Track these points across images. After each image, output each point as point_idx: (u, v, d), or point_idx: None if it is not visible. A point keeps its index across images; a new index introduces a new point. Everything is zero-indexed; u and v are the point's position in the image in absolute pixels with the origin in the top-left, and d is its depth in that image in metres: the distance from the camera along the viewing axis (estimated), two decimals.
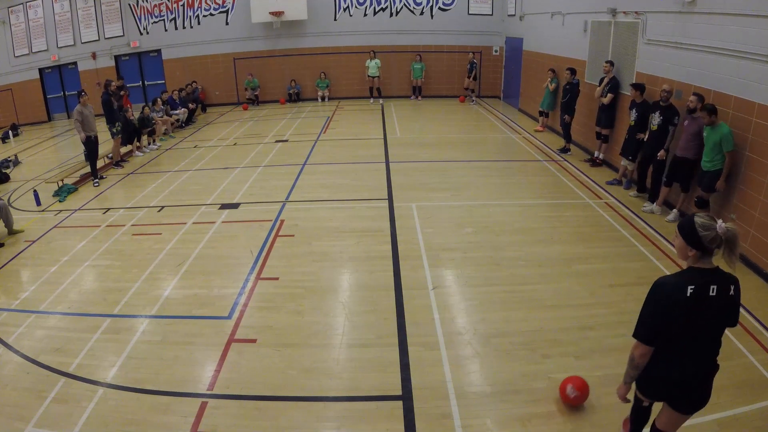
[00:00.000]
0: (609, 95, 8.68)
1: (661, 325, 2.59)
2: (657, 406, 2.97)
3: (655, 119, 7.12)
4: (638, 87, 7.62)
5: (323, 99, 17.08)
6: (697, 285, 2.50)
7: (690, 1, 6.60)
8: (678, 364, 2.64)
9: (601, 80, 8.95)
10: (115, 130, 10.47)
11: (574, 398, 3.66)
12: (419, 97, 16.81)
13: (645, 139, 7.41)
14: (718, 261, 2.56)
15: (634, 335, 2.72)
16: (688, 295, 2.49)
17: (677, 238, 2.62)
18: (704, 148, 6.05)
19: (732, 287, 2.55)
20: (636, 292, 5.20)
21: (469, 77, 16.11)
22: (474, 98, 16.41)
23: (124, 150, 11.26)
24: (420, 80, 16.53)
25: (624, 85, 8.61)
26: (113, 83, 10.85)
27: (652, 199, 7.32)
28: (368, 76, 16.15)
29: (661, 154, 7.03)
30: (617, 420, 3.59)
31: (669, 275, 2.69)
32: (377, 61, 15.91)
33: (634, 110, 7.68)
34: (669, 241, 6.34)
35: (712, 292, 2.49)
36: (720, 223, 2.45)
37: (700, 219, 2.52)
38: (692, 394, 2.72)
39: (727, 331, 4.49)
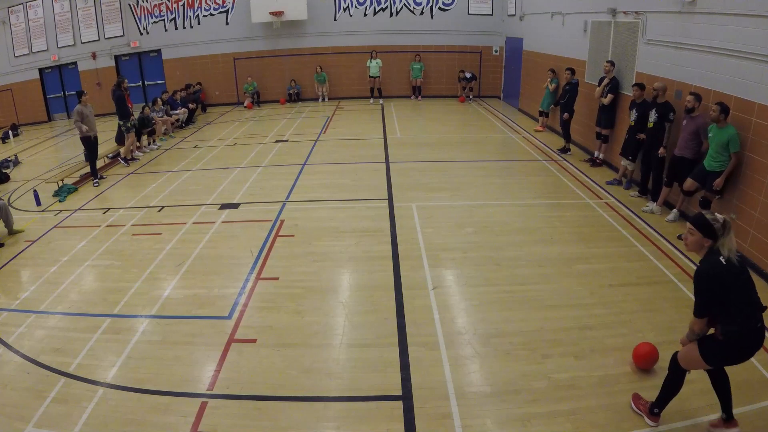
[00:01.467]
0: (609, 96, 8.68)
1: (721, 293, 3.12)
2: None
3: (652, 116, 7.13)
4: (641, 87, 7.61)
5: (323, 99, 17.00)
6: (723, 256, 3.12)
7: (690, 1, 6.60)
8: (752, 321, 3.16)
9: (601, 80, 8.94)
10: (129, 125, 10.61)
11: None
12: (419, 97, 16.80)
13: (629, 140, 7.41)
14: None
15: (695, 314, 3.22)
16: (723, 263, 3.11)
17: (694, 234, 3.17)
18: (708, 149, 6.02)
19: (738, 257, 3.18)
20: (636, 292, 5.21)
21: (463, 86, 16.50)
22: (471, 96, 16.67)
23: (124, 150, 11.27)
24: (419, 80, 16.54)
25: (624, 85, 8.61)
26: (125, 80, 10.98)
27: (654, 198, 7.32)
28: (369, 76, 16.14)
29: (661, 151, 7.03)
30: (617, 420, 3.59)
31: (702, 264, 3.17)
32: (378, 61, 15.90)
33: (634, 110, 7.68)
34: (669, 241, 6.35)
35: (735, 260, 3.14)
36: (717, 215, 3.16)
37: (709, 216, 3.15)
38: (759, 345, 3.23)
39: None
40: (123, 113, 10.49)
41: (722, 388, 3.47)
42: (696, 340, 3.33)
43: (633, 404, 3.71)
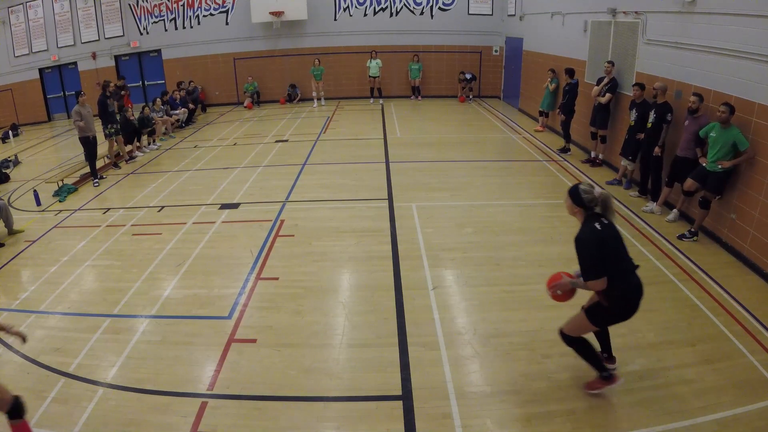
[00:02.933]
0: (608, 95, 8.68)
1: (606, 256, 3.47)
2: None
3: (651, 117, 7.13)
4: (641, 87, 7.61)
5: (319, 100, 16.56)
6: (597, 223, 3.47)
7: (690, 1, 6.60)
8: (632, 277, 3.62)
9: (600, 80, 8.94)
10: (107, 132, 10.39)
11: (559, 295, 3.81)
12: (419, 97, 16.78)
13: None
14: None
15: (586, 279, 3.51)
16: (600, 228, 3.45)
17: (567, 200, 3.58)
18: (709, 149, 6.01)
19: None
20: None
21: (462, 86, 16.41)
22: (471, 96, 16.67)
23: (127, 148, 11.27)
24: (418, 80, 16.49)
25: (624, 85, 8.61)
26: (111, 84, 10.83)
27: (654, 198, 7.32)
28: (369, 76, 16.11)
29: (656, 150, 7.04)
30: (617, 420, 3.60)
31: (580, 232, 3.50)
32: (378, 61, 15.88)
33: (634, 110, 7.67)
34: (669, 240, 6.35)
35: (606, 222, 3.51)
36: (596, 189, 3.52)
37: (582, 186, 3.55)
38: (640, 298, 3.65)
39: (727, 331, 4.54)
40: (104, 118, 10.30)
41: (603, 341, 4.01)
42: (583, 311, 3.76)
43: (593, 391, 3.83)
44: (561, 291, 3.72)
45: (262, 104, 17.11)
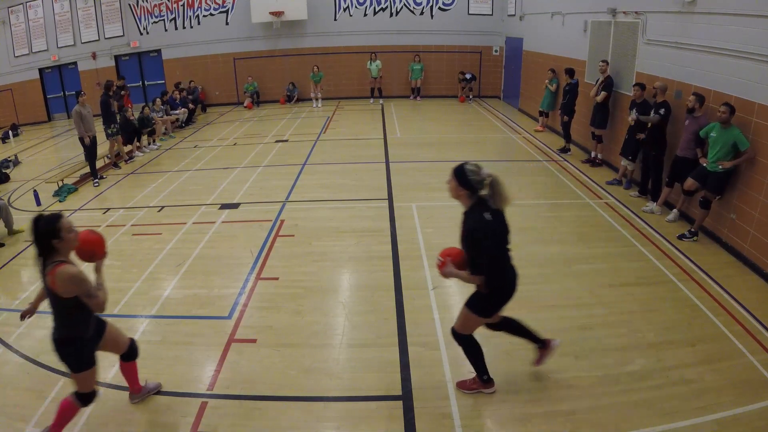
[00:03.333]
0: (603, 93, 8.69)
1: (496, 244, 3.39)
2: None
3: (650, 115, 7.13)
4: (642, 87, 7.61)
5: (316, 101, 16.47)
6: (488, 212, 3.29)
7: (690, 1, 6.61)
8: (509, 269, 3.52)
9: (598, 80, 8.97)
10: (110, 131, 10.43)
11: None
12: (418, 98, 16.74)
13: (639, 121, 7.39)
14: None
15: (487, 272, 3.39)
16: (489, 218, 3.27)
17: (452, 181, 3.36)
18: (710, 149, 6.01)
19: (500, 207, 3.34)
20: (636, 292, 5.21)
21: (462, 86, 16.35)
22: (471, 96, 16.62)
23: (127, 149, 11.28)
24: (419, 81, 16.44)
25: (624, 85, 8.61)
26: (114, 84, 10.86)
27: (654, 198, 7.32)
28: (372, 77, 16.07)
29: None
30: (617, 420, 3.60)
31: (469, 222, 3.38)
32: (378, 63, 15.88)
33: (634, 110, 7.66)
34: (669, 240, 6.35)
35: (496, 210, 3.32)
36: (484, 170, 3.31)
37: (469, 166, 3.33)
38: (515, 282, 3.58)
39: (727, 331, 4.54)
40: (106, 118, 10.36)
41: (517, 329, 3.84)
42: (465, 305, 3.65)
43: (466, 390, 3.90)
44: (444, 274, 3.62)
45: (261, 104, 17.11)
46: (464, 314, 3.67)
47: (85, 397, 3.40)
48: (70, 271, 3.09)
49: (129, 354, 3.75)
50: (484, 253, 3.34)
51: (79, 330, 3.27)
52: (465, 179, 3.29)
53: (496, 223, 3.32)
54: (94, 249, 3.47)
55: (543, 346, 3.94)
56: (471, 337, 3.75)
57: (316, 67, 16.35)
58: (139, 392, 3.91)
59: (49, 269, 3.06)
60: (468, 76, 16.40)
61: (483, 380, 3.85)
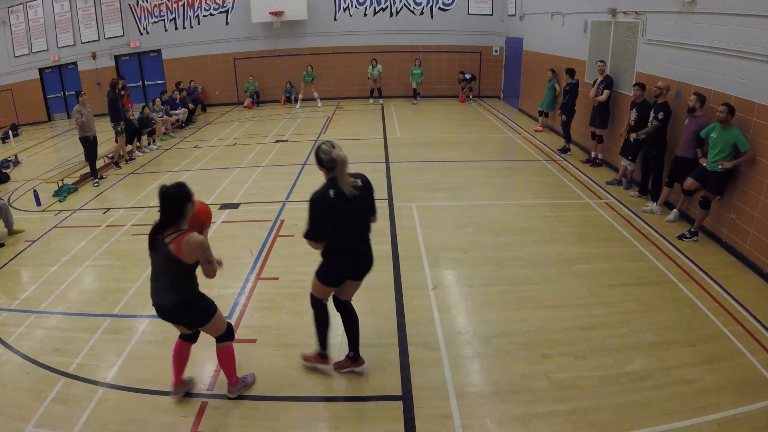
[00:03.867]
0: (605, 92, 8.68)
1: (327, 223, 3.57)
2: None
3: (651, 116, 7.13)
4: (642, 86, 7.60)
5: (317, 100, 16.30)
6: (332, 189, 3.52)
7: (690, 1, 6.61)
8: (350, 246, 3.71)
9: (596, 80, 8.97)
10: (119, 129, 10.50)
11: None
12: (416, 100, 16.34)
13: (639, 139, 7.39)
14: None
15: (305, 236, 3.65)
16: (332, 196, 3.51)
17: (314, 162, 3.59)
18: (710, 150, 6.01)
19: (359, 183, 3.60)
20: (636, 292, 5.21)
21: (462, 86, 16.27)
22: (471, 96, 16.57)
23: (127, 148, 11.28)
24: (418, 84, 16.16)
25: (623, 85, 8.61)
26: (120, 82, 10.90)
27: (654, 198, 7.32)
28: (371, 78, 16.02)
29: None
30: (617, 420, 3.60)
31: (314, 193, 3.56)
32: (380, 67, 15.83)
33: (634, 110, 7.66)
34: (669, 240, 6.35)
35: (347, 189, 3.52)
36: (335, 151, 3.47)
37: (323, 146, 3.52)
38: (362, 265, 3.84)
39: (727, 331, 4.54)
40: (114, 115, 10.40)
41: (351, 327, 4.07)
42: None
43: (305, 363, 4.18)
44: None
45: (261, 104, 17.11)
46: (313, 280, 3.98)
47: (228, 334, 3.83)
48: (197, 238, 3.34)
49: (222, 336, 3.87)
50: (309, 222, 3.59)
51: (196, 289, 3.63)
52: (317, 158, 3.54)
53: (338, 201, 3.51)
54: (205, 219, 3.72)
55: (355, 357, 4.13)
56: (321, 305, 4.00)
57: (310, 67, 16.22)
58: (236, 384, 3.92)
59: (174, 237, 3.28)
60: (468, 76, 16.37)
61: (320, 354, 4.11)
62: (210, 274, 3.56)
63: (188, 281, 3.53)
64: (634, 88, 7.68)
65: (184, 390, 3.95)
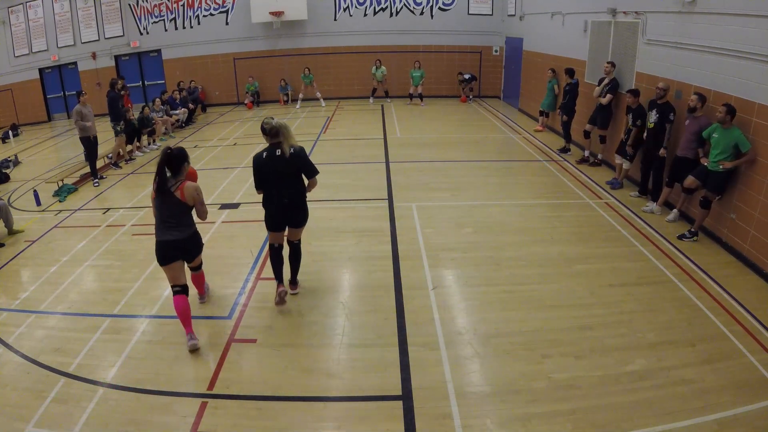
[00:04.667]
0: (608, 95, 8.69)
1: (258, 178, 4.78)
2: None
3: (652, 117, 7.14)
4: (635, 93, 7.70)
5: (320, 100, 16.27)
6: (267, 152, 4.72)
7: (690, 1, 6.61)
8: (274, 198, 4.83)
9: (601, 80, 8.95)
10: (119, 128, 10.50)
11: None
12: (422, 103, 15.91)
13: (627, 141, 7.42)
14: None
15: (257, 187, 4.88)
16: (264, 157, 4.70)
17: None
18: (711, 150, 6.01)
19: (290, 152, 4.68)
20: (636, 292, 5.21)
21: (463, 87, 16.10)
22: (471, 96, 16.47)
23: (127, 148, 11.28)
24: (419, 87, 15.77)
25: (624, 85, 8.61)
26: (120, 82, 10.90)
27: (654, 198, 7.32)
28: (377, 81, 15.99)
29: (662, 152, 7.03)
30: (617, 420, 3.60)
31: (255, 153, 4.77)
32: (383, 69, 15.82)
33: (630, 115, 7.73)
34: (669, 240, 6.35)
35: (278, 153, 4.67)
36: (273, 121, 4.67)
37: (265, 119, 4.72)
38: (286, 214, 4.96)
39: (727, 331, 4.54)
40: (114, 115, 10.40)
41: (294, 263, 5.28)
42: None
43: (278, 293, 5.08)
44: None
45: (262, 104, 17.11)
46: None
47: (201, 264, 5.13)
48: (194, 184, 4.49)
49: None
50: (254, 178, 4.81)
51: (194, 226, 4.70)
52: (262, 128, 4.72)
53: (269, 160, 4.68)
54: (194, 176, 4.70)
55: (280, 284, 5.14)
56: (272, 247, 5.11)
57: (307, 69, 16.16)
58: (203, 293, 5.30)
59: (177, 186, 4.39)
60: (467, 76, 16.33)
61: (278, 284, 5.14)
62: (202, 215, 4.61)
63: (190, 219, 4.59)
64: (628, 95, 7.75)
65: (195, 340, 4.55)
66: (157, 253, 4.50)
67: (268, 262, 6.04)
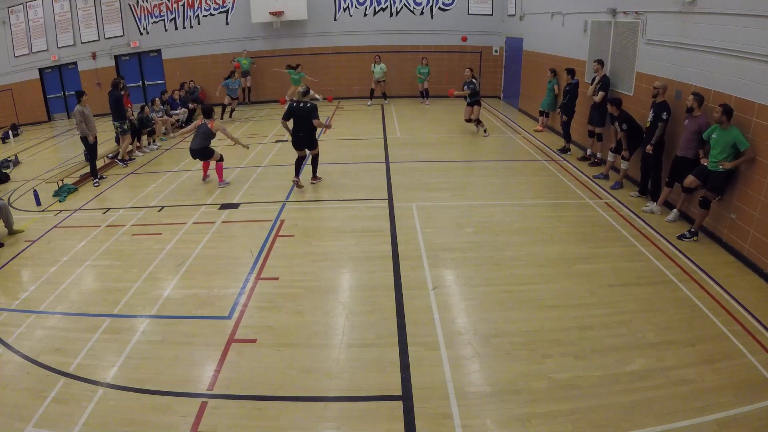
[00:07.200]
0: (600, 93, 8.73)
1: (287, 114, 8.27)
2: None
3: (649, 116, 7.15)
4: (614, 102, 7.92)
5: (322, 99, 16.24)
6: (294, 102, 8.22)
7: (690, 1, 6.61)
8: (293, 131, 8.36)
9: (593, 79, 9.01)
10: (126, 127, 10.58)
11: None
12: (426, 102, 16.02)
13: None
14: None
15: (283, 118, 8.24)
16: (294, 104, 8.18)
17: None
18: (711, 150, 6.01)
19: (308, 105, 8.07)
20: (636, 292, 5.21)
21: (469, 103, 11.75)
22: (485, 131, 12.01)
23: (121, 152, 11.27)
24: (426, 84, 15.85)
25: (622, 84, 8.65)
26: (122, 81, 10.94)
27: (654, 198, 7.33)
28: (376, 80, 15.84)
29: (648, 148, 7.11)
30: (617, 420, 3.60)
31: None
32: (383, 65, 15.75)
33: (616, 123, 7.95)
34: (669, 240, 6.35)
35: (301, 105, 8.11)
36: (302, 88, 8.22)
37: (301, 88, 8.29)
38: (299, 140, 8.42)
39: (727, 331, 4.54)
40: (118, 115, 10.44)
41: (313, 163, 8.75)
42: None
43: (295, 182, 8.58)
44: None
45: (262, 104, 17.08)
46: None
47: (221, 158, 9.03)
48: (220, 123, 9.37)
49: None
50: (285, 113, 8.26)
51: (204, 141, 8.69)
52: (298, 91, 8.19)
53: (294, 107, 8.12)
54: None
55: (297, 179, 8.59)
56: (298, 157, 8.65)
57: (298, 66, 15.05)
58: (222, 180, 8.99)
59: (209, 121, 8.75)
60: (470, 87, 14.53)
61: (295, 179, 8.57)
62: (229, 136, 9.04)
63: (209, 141, 8.72)
64: (610, 105, 7.97)
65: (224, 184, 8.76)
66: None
67: (268, 262, 6.14)
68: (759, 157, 5.57)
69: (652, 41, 7.72)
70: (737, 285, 5.31)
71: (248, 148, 9.70)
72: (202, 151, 8.74)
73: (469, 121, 11.97)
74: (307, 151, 8.59)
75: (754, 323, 4.65)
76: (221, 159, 8.97)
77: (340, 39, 16.73)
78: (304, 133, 8.21)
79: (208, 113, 8.97)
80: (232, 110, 15.19)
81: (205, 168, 9.41)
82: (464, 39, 15.28)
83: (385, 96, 16.24)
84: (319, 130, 8.46)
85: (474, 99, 11.61)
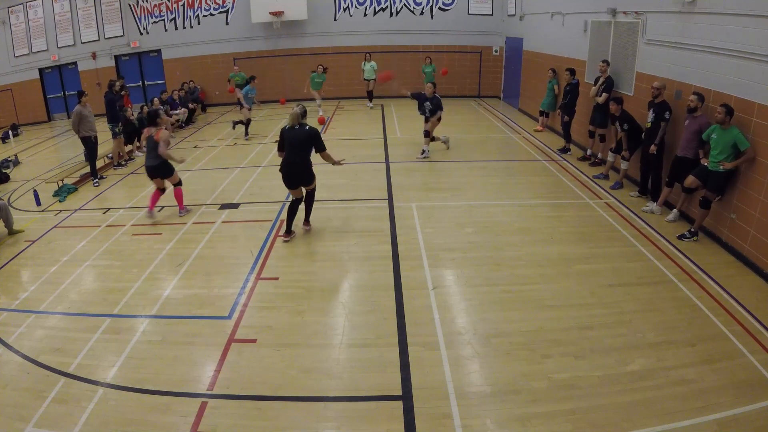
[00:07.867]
0: (604, 94, 8.70)
1: (281, 142, 6.44)
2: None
3: (649, 116, 7.14)
4: (618, 101, 7.92)
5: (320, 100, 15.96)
6: (289, 126, 6.31)
7: (690, 1, 6.61)
8: (285, 160, 6.40)
9: (597, 79, 8.99)
10: (117, 130, 10.49)
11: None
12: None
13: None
14: None
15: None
16: (287, 128, 6.32)
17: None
18: (711, 150, 6.01)
19: (306, 128, 6.29)
20: (636, 292, 5.21)
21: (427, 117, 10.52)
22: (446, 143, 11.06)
23: (127, 149, 11.28)
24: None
25: (622, 84, 8.63)
26: (117, 83, 10.90)
27: (654, 198, 7.33)
28: (363, 78, 15.51)
29: (652, 148, 7.08)
30: (617, 420, 3.60)
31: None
32: (373, 63, 15.43)
33: (617, 122, 7.96)
34: (669, 240, 6.35)
35: (297, 128, 6.28)
36: (296, 108, 6.33)
37: (296, 107, 6.36)
38: (292, 173, 6.40)
39: (727, 331, 4.54)
40: (111, 116, 10.38)
41: (307, 207, 6.81)
42: None
43: (283, 239, 6.64)
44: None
45: (262, 104, 17.03)
46: None
47: (180, 182, 7.63)
48: (166, 131, 7.38)
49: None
50: (279, 142, 6.51)
51: (162, 158, 7.29)
52: (293, 113, 6.31)
53: (290, 132, 6.31)
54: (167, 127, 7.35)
55: (288, 233, 6.66)
56: (292, 200, 6.66)
57: (321, 67, 14.55)
58: (182, 208, 7.68)
59: (155, 132, 7.26)
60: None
61: (286, 232, 6.64)
62: (163, 152, 7.21)
63: (157, 153, 7.22)
64: (612, 104, 7.94)
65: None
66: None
67: (269, 262, 6.15)
68: (759, 157, 5.57)
69: (652, 41, 7.72)
70: (737, 285, 5.31)
71: (183, 161, 8.32)
72: (159, 168, 7.28)
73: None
74: (303, 190, 6.64)
75: (754, 323, 4.65)
76: (180, 183, 7.53)
77: (340, 39, 16.74)
78: (298, 164, 6.26)
79: (152, 119, 7.39)
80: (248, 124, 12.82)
81: (155, 198, 7.57)
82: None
83: (370, 97, 15.70)
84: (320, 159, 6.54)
85: (433, 113, 10.41)
